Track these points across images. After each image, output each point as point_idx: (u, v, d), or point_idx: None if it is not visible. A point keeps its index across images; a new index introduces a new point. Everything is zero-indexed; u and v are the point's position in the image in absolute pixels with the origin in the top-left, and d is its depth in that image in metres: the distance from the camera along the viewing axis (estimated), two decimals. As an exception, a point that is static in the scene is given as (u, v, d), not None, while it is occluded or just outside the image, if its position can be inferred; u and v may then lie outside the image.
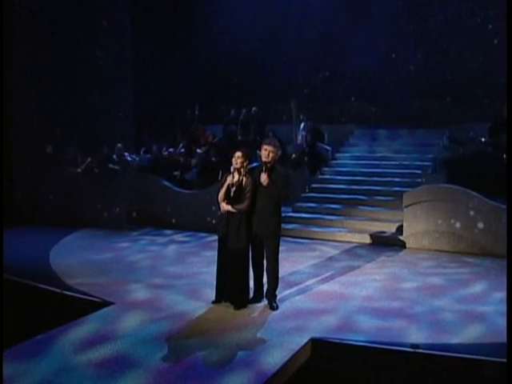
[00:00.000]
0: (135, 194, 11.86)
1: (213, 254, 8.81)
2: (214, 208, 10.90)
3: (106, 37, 14.38)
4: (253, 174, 6.16)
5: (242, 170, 6.12)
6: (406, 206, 9.38)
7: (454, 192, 9.05)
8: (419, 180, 11.37)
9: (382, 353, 4.93)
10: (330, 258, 8.64)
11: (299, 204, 11.62)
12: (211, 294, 6.51)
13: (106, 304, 6.36)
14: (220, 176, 11.70)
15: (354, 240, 9.83)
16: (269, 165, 6.11)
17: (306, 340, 5.14)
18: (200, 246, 9.66)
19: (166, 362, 4.75)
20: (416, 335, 5.32)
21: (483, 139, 12.04)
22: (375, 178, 12.25)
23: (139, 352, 4.95)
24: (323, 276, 7.56)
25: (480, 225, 8.83)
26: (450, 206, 9.02)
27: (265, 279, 6.31)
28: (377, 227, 10.13)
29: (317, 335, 5.27)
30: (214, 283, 6.34)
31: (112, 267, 8.13)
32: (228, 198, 6.13)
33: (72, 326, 5.65)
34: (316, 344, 5.14)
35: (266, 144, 6.19)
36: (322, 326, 5.56)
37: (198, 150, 13.20)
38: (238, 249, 6.07)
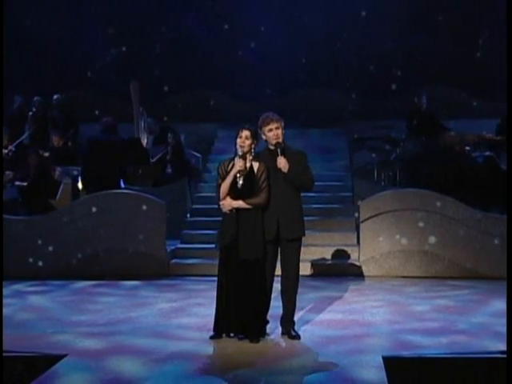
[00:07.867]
0: None
1: (117, 300, 10.30)
2: (40, 242, 12.03)
3: None
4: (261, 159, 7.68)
5: (249, 154, 7.54)
6: (363, 221, 11.72)
7: (425, 198, 11.64)
8: (348, 194, 13.92)
9: (474, 363, 7.00)
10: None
11: (186, 232, 13.43)
12: (188, 335, 8.03)
13: (54, 358, 7.16)
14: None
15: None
16: (283, 144, 7.67)
17: (379, 357, 6.98)
18: (80, 294, 10.76)
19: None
20: (492, 345, 7.43)
21: None
22: (279, 194, 14.42)
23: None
24: (308, 308, 9.34)
25: (461, 241, 11.48)
26: (421, 217, 11.57)
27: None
28: (310, 254, 12.26)
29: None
30: (214, 312, 7.77)
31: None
32: (234, 193, 7.48)
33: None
34: (391, 361, 7.01)
35: (270, 120, 7.63)
36: (377, 347, 7.41)
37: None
38: (255, 260, 7.43)
